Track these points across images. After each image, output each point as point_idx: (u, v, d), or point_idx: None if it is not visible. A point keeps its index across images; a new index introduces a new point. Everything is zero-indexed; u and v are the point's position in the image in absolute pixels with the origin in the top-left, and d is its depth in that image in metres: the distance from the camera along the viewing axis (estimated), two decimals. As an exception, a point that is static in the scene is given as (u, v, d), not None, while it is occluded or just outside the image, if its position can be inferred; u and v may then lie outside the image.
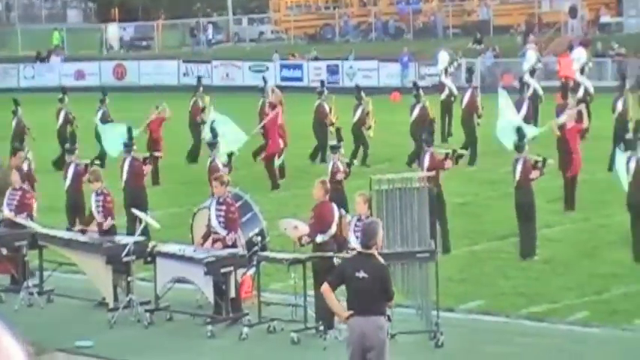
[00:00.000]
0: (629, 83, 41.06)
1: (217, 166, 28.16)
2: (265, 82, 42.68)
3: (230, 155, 29.42)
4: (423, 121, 38.31)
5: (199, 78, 45.04)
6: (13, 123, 39.50)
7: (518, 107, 37.83)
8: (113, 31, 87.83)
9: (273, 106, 37.91)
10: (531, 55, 50.28)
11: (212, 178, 23.54)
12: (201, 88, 42.12)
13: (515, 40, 73.30)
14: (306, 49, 73.77)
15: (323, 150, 39.28)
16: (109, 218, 23.24)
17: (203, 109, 39.91)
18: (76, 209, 26.83)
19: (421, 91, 40.76)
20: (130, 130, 30.09)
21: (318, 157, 39.37)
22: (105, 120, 39.59)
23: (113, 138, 37.47)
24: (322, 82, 44.34)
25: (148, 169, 30.03)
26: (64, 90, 42.47)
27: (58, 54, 77.80)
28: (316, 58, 69.42)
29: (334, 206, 21.95)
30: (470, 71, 47.70)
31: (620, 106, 36.87)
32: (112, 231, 23.28)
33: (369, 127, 38.47)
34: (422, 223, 21.53)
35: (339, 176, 27.09)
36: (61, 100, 40.77)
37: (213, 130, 30.69)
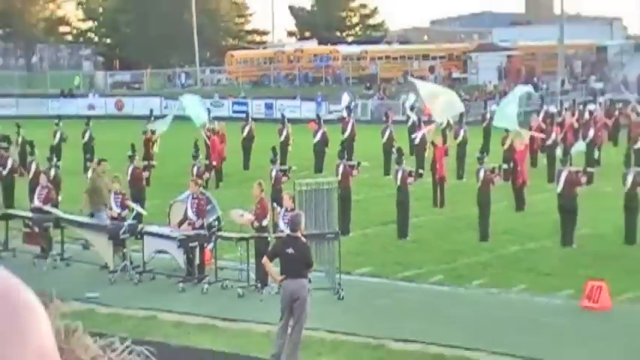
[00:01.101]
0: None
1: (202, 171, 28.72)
2: (209, 112, 42.29)
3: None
4: (323, 143, 38.60)
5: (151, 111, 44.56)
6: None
7: (383, 133, 38.67)
8: (99, 77, 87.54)
9: (215, 133, 37.83)
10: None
11: (191, 180, 23.76)
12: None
13: (395, 88, 73.69)
14: (250, 91, 73.81)
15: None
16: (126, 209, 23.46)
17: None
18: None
19: (322, 121, 41.01)
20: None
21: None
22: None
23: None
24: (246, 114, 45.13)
25: (146, 174, 30.05)
26: (59, 117, 42.30)
27: (94, 92, 77.60)
28: (244, 97, 69.56)
29: (268, 201, 22.45)
30: (348, 109, 47.87)
31: (461, 133, 37.28)
32: (121, 216, 23.14)
33: (289, 145, 38.69)
34: (330, 214, 21.81)
35: (283, 180, 27.17)
36: (57, 124, 40.06)
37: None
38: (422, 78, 76.18)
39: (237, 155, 39.73)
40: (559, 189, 25.81)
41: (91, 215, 26.02)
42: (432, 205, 30.77)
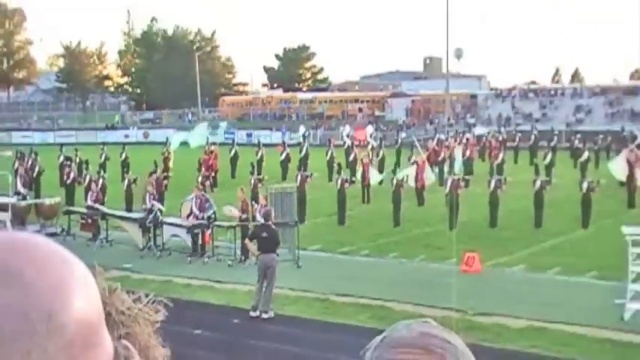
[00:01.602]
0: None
1: (203, 180, 28.20)
2: (207, 139, 41.92)
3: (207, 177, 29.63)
4: (287, 160, 38.55)
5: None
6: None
7: (327, 153, 38.13)
8: (131, 115, 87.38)
9: (211, 152, 37.92)
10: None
11: (195, 186, 23.59)
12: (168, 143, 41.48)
13: (334, 122, 73.62)
14: (236, 124, 72.81)
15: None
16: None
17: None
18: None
19: (286, 145, 41.17)
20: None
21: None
22: (106, 159, 38.44)
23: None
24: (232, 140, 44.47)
25: (165, 182, 29.94)
26: (104, 144, 42.36)
27: (129, 126, 77.14)
28: (231, 129, 68.87)
29: (249, 200, 22.32)
30: (304, 137, 47.98)
31: (381, 153, 37.29)
32: (151, 209, 22.83)
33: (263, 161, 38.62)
34: (291, 208, 21.78)
35: (259, 185, 26.98)
36: (102, 149, 39.72)
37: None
38: (353, 116, 76.90)
39: (227, 168, 39.53)
40: (447, 190, 26.10)
41: (129, 210, 25.91)
42: (362, 202, 30.76)
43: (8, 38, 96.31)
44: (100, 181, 27.11)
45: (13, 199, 25.55)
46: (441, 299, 16.41)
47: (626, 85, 75.60)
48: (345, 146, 44.24)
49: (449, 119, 67.35)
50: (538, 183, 25.79)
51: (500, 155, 37.82)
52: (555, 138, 46.38)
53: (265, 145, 42.57)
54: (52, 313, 0.86)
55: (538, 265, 19.90)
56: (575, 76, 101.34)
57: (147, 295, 1.62)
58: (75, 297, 0.90)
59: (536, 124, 59.29)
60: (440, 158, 37.97)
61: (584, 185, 25.48)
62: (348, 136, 49.63)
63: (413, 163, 31.90)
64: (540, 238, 23.51)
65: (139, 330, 1.53)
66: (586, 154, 37.62)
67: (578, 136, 46.39)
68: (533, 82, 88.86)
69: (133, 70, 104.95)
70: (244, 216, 21.14)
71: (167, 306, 1.63)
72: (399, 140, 47.87)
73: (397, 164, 32.82)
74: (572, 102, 70.30)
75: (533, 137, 48.67)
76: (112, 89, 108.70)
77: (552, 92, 75.42)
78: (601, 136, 47.36)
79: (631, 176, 29.69)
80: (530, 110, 69.53)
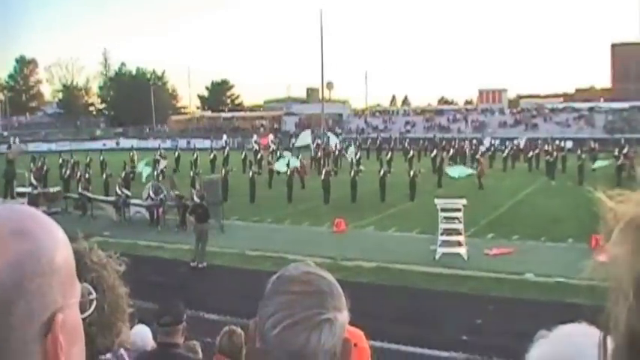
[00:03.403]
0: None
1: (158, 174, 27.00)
2: (159, 146, 40.57)
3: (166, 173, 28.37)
4: (214, 159, 37.49)
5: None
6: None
7: (242, 154, 37.35)
8: (108, 130, 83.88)
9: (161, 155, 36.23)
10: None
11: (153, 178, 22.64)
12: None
13: (244, 134, 72.53)
14: (179, 135, 70.83)
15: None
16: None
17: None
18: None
19: (214, 149, 40.32)
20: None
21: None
22: (90, 161, 36.72)
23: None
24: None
25: (131, 175, 28.45)
26: (88, 150, 40.31)
27: (106, 138, 73.39)
28: (175, 138, 66.91)
29: (189, 188, 21.53)
30: (226, 142, 47.26)
31: (279, 153, 37.04)
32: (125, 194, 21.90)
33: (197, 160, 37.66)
34: (217, 192, 21.35)
35: (197, 177, 26.25)
36: (87, 154, 37.91)
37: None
38: (260, 128, 76.12)
39: (173, 165, 38.25)
40: (322, 178, 26.15)
41: (106, 195, 24.76)
42: (267, 187, 29.98)
43: (25, 79, 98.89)
44: (87, 175, 26.18)
45: (28, 189, 24.67)
46: (319, 250, 16.55)
47: (435, 107, 79.84)
48: (254, 149, 43.78)
49: (323, 130, 67.94)
50: (382, 172, 26.29)
51: (358, 154, 38.35)
52: (393, 142, 47.70)
53: (199, 149, 41.73)
54: (53, 258, 0.87)
55: (382, 226, 20.20)
56: (405, 101, 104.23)
57: (115, 253, 1.63)
58: (64, 249, 0.91)
59: (380, 134, 60.69)
60: (318, 156, 38.25)
61: (411, 173, 26.27)
62: (256, 142, 49.07)
63: (300, 161, 32.02)
64: (384, 208, 23.78)
65: (107, 274, 1.58)
66: (412, 153, 38.84)
67: (407, 141, 47.97)
68: (379, 105, 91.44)
69: (109, 99, 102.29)
70: (185, 198, 20.55)
71: (126, 261, 1.68)
72: (292, 144, 47.88)
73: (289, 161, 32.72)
74: (403, 119, 72.22)
75: (378, 142, 49.87)
76: (94, 112, 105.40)
77: (390, 112, 77.90)
78: (421, 141, 49.04)
79: (440, 168, 30.84)
80: (377, 124, 70.99)
